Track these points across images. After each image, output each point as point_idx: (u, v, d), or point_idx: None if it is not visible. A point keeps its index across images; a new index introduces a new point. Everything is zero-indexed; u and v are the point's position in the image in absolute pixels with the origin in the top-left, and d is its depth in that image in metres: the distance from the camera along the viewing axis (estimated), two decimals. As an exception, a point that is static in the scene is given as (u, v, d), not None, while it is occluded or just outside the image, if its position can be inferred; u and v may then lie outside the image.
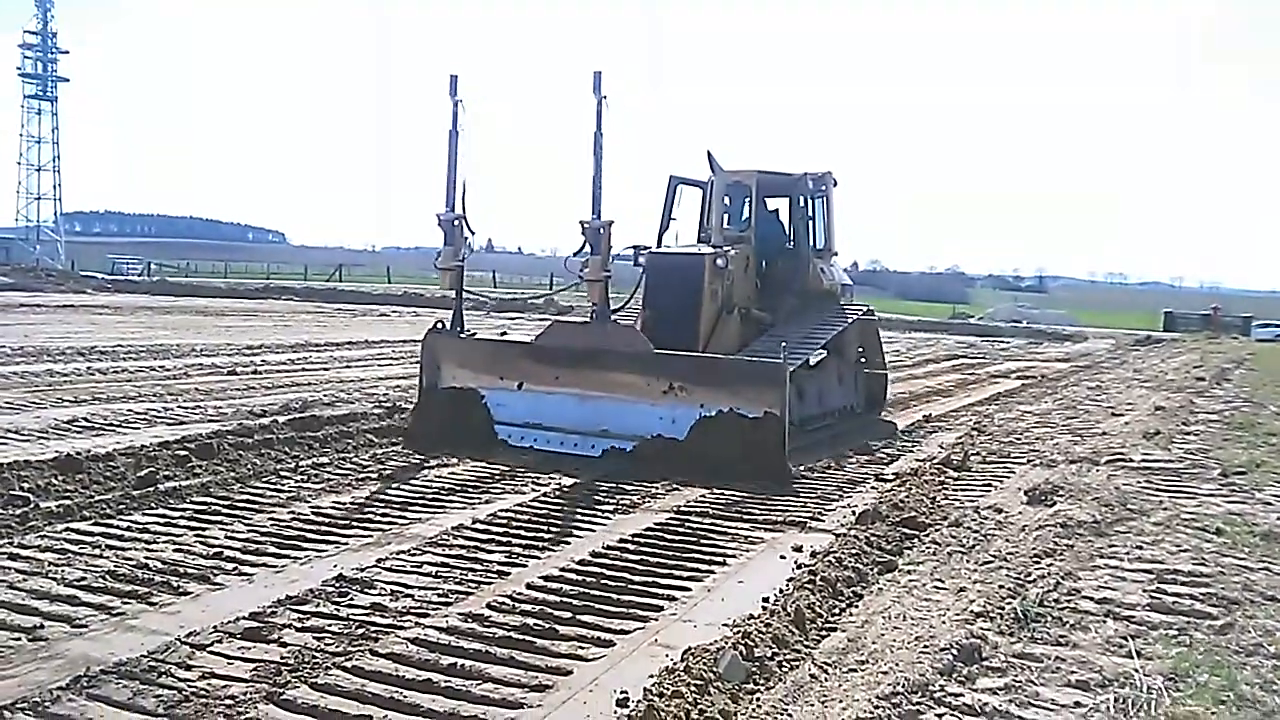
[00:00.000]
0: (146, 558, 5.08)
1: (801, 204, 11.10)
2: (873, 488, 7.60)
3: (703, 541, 5.88)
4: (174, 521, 5.82)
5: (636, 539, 5.85)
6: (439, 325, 9.40)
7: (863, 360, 11.97)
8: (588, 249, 8.46)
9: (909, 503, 6.69)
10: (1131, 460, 8.55)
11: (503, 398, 8.74)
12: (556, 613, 4.52)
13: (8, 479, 6.49)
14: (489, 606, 4.57)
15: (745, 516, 6.54)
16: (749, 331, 10.07)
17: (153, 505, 6.15)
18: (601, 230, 8.40)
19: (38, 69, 70.82)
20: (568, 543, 5.77)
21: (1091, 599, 4.79)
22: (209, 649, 3.93)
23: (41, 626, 4.09)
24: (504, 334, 10.24)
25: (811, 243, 11.31)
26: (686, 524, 6.23)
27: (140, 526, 5.68)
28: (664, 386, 8.12)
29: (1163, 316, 42.71)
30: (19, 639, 3.96)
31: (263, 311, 28.24)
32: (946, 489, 7.43)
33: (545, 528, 6.05)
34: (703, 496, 7.05)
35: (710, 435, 7.80)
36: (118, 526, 5.66)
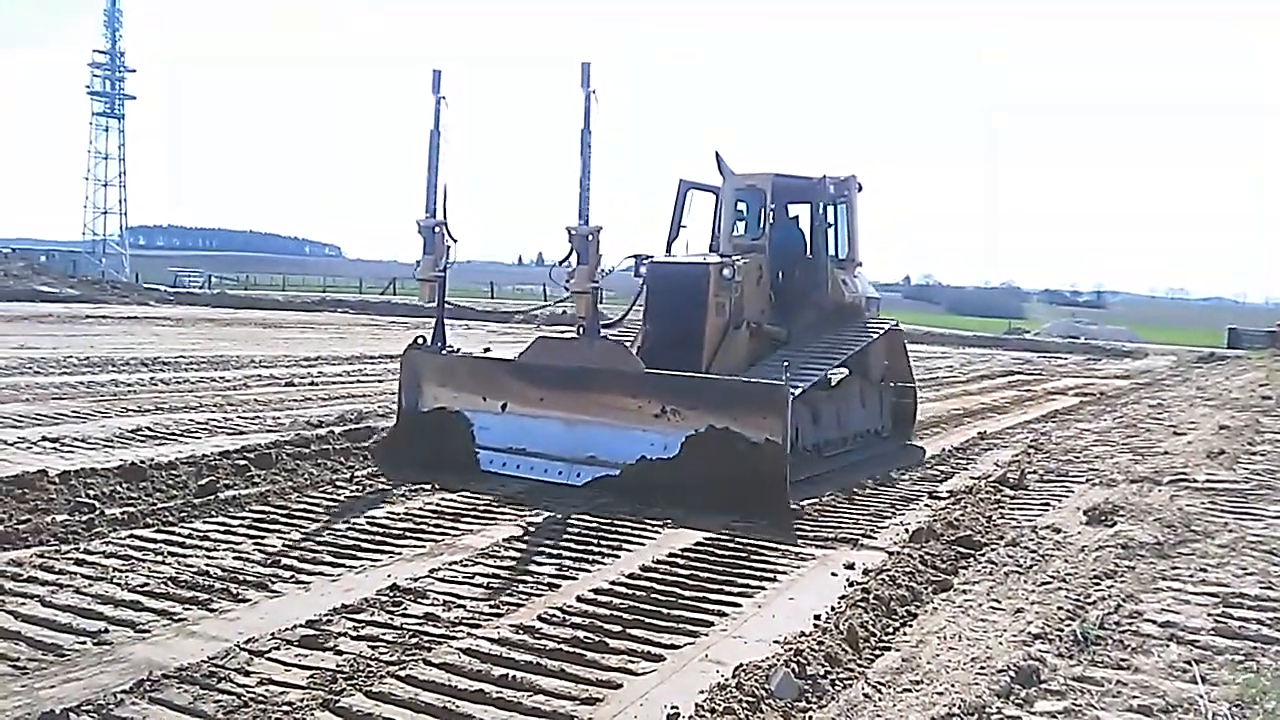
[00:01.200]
0: (207, 565, 5.18)
1: (821, 210, 10.29)
2: (926, 505, 7.50)
3: (753, 557, 5.85)
4: (233, 529, 5.94)
5: (686, 553, 5.84)
6: (420, 340, 8.75)
7: (889, 378, 11.06)
8: (574, 258, 7.73)
9: (964, 521, 6.59)
10: (1195, 480, 8.34)
11: (486, 420, 8.08)
12: (607, 626, 4.52)
13: (75, 486, 6.69)
14: (540, 618, 4.59)
15: (796, 533, 6.49)
16: (760, 348, 9.31)
17: (213, 513, 6.29)
18: (589, 237, 7.65)
19: (106, 87, 73.11)
20: (617, 556, 5.77)
21: (1154, 622, 4.68)
22: (267, 655, 4.00)
23: (106, 631, 4.20)
24: (487, 350, 9.41)
25: (834, 252, 10.48)
26: (736, 539, 6.20)
27: (201, 534, 5.81)
28: (655, 409, 7.38)
29: (1226, 333, 41.53)
30: (84, 643, 4.07)
31: (319, 324, 28.75)
32: (1003, 507, 7.31)
33: (596, 541, 6.06)
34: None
35: (702, 458, 7.09)
36: (179, 534, 5.79)
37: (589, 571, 5.43)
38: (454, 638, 4.30)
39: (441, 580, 5.12)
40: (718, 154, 9.34)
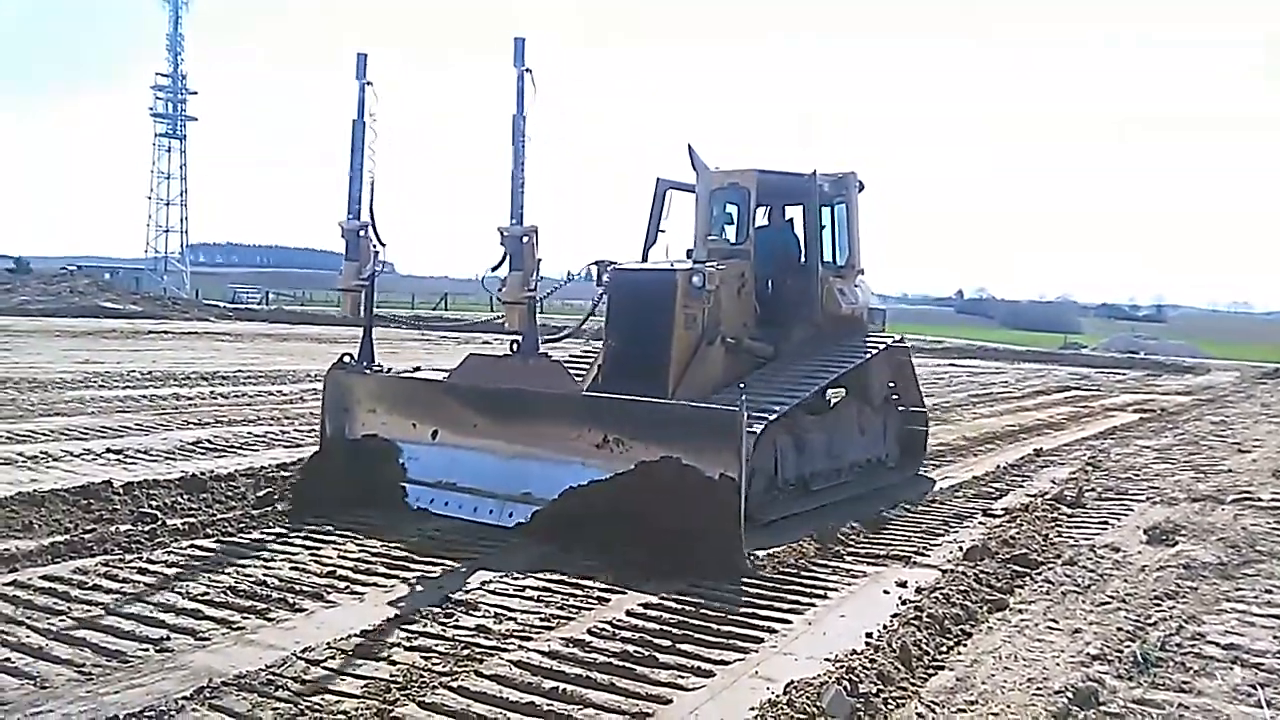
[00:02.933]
0: (265, 575, 5.29)
1: (814, 211, 9.05)
2: (980, 523, 7.39)
3: (803, 574, 5.81)
4: (290, 540, 6.05)
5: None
6: (346, 359, 7.75)
7: (895, 401, 9.81)
8: (507, 263, 6.75)
9: (1020, 539, 6.49)
10: (1260, 500, 8.13)
11: (415, 450, 7.11)
12: (656, 640, 4.52)
13: (138, 497, 6.87)
14: (589, 632, 4.60)
15: (847, 550, 6.44)
16: (740, 367, 8.19)
17: (270, 524, 6.41)
18: (524, 239, 6.68)
19: (168, 109, 75.24)
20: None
21: (1217, 644, 4.56)
22: (323, 665, 4.06)
23: (168, 638, 4.30)
24: (417, 369, 8.46)
25: (830, 258, 9.41)
26: (786, 553, 6.15)
27: (259, 545, 5.92)
28: (597, 439, 6.34)
29: (1293, 348, 40.45)
30: (147, 649, 4.17)
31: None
32: (1060, 526, 7.18)
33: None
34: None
35: (644, 496, 5.97)
36: (238, 544, 5.91)
37: (638, 586, 5.43)
38: (505, 650, 4.33)
39: (492, 593, 5.16)
40: (690, 147, 8.07)
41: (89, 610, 4.60)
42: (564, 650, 4.35)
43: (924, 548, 6.54)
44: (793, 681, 3.95)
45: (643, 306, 8.14)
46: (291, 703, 3.68)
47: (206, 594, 4.91)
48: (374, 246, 7.51)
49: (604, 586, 5.35)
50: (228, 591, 4.96)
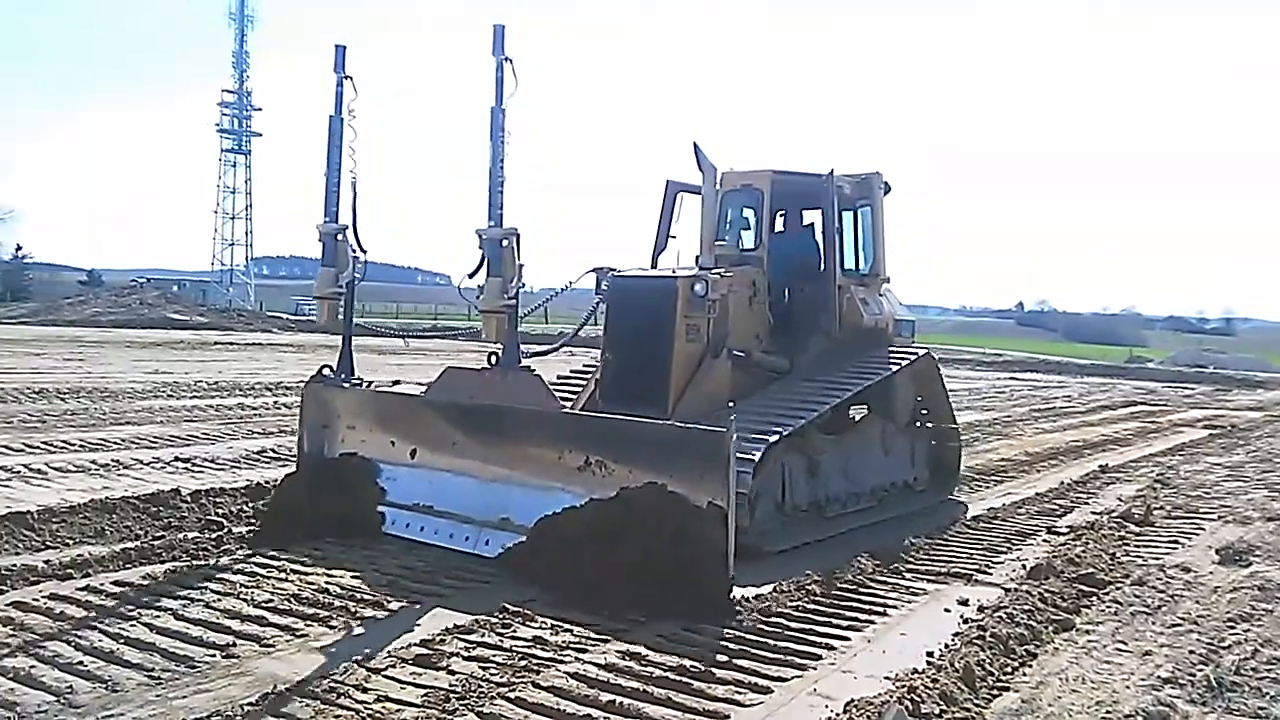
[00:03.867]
0: (327, 583, 5.37)
1: (834, 215, 8.41)
2: (1044, 540, 7.23)
3: (861, 591, 5.73)
4: (351, 550, 6.13)
5: (792, 584, 5.74)
6: (325, 371, 7.33)
7: (924, 419, 9.15)
8: (485, 269, 6.34)
9: (1086, 558, 6.34)
10: (1340, 520, 7.83)
11: (393, 470, 6.68)
12: (712, 655, 4.50)
13: (205, 504, 7.04)
14: (647, 645, 4.59)
15: (906, 566, 6.34)
16: (749, 381, 7.69)
17: (332, 534, 6.50)
18: (503, 242, 6.22)
19: (234, 125, 77.21)
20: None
21: (1296, 670, 4.40)
22: (383, 673, 4.11)
23: (234, 645, 4.38)
24: (396, 383, 8.02)
25: (853, 265, 8.89)
26: (845, 569, 6.08)
27: (321, 554, 6.01)
28: (579, 460, 5.84)
29: (1372, 362, 39.01)
30: (213, 655, 4.25)
31: (431, 350, 29.54)
32: (1128, 545, 7.01)
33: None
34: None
35: (625, 525, 5.38)
36: (301, 553, 6.00)
37: (617, 633, 5.36)
38: (562, 661, 4.34)
39: (549, 604, 5.18)
40: (695, 145, 7.36)
41: (158, 616, 4.71)
42: (620, 663, 4.34)
43: (986, 565, 6.42)
44: (853, 700, 3.90)
45: (641, 317, 7.64)
46: (353, 710, 3.72)
47: (271, 601, 5.00)
48: (354, 252, 7.04)
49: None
50: (291, 599, 5.05)
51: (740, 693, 4.09)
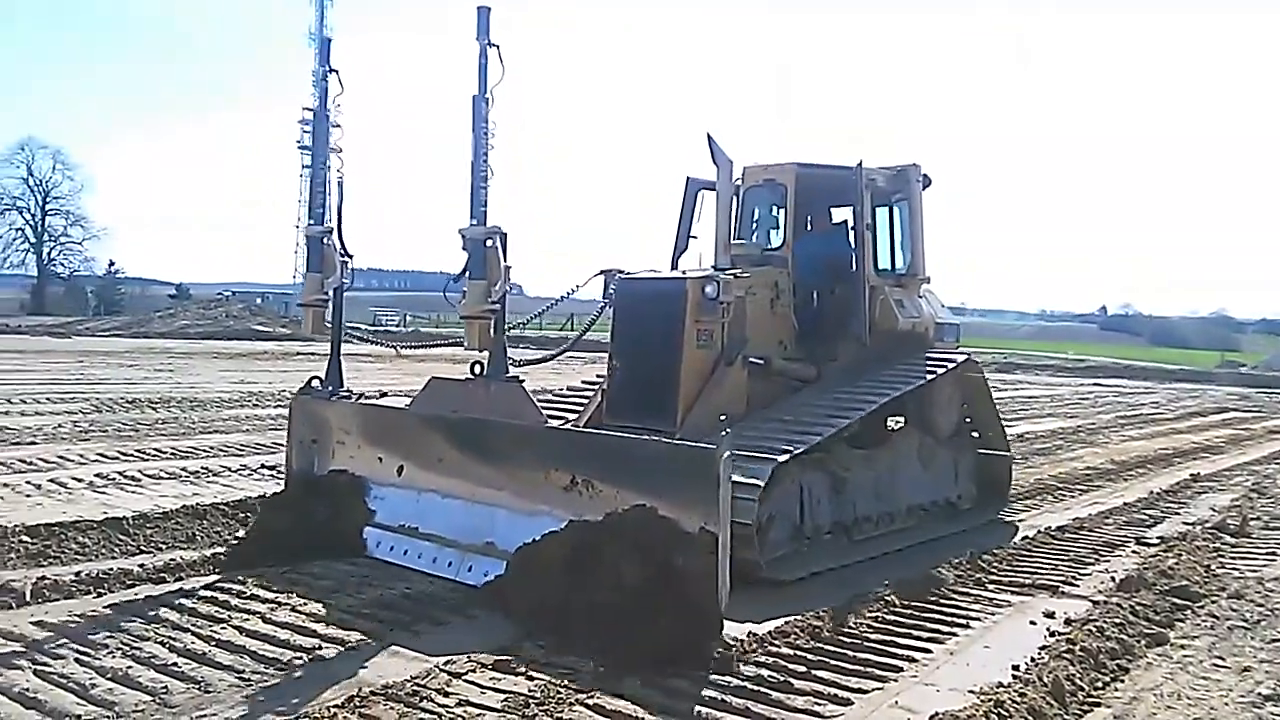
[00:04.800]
0: (408, 589, 5.45)
1: (867, 211, 7.88)
2: (1134, 552, 7.00)
3: (943, 601, 5.62)
4: (430, 556, 6.19)
5: (871, 593, 5.66)
6: (314, 382, 6.92)
7: (969, 431, 8.51)
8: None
9: (1179, 570, 6.12)
10: None
11: (380, 489, 6.31)
12: (791, 666, 4.45)
13: (290, 511, 7.18)
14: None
15: (990, 577, 6.20)
16: (770, 391, 7.21)
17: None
18: (487, 242, 5.82)
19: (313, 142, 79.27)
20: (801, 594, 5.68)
21: None
22: (464, 678, 4.16)
23: (320, 648, 4.48)
24: (383, 395, 7.24)
25: (888, 265, 8.37)
26: (925, 580, 5.97)
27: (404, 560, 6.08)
28: (565, 480, 5.36)
29: None
30: (301, 658, 4.35)
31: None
32: (1222, 556, 6.76)
33: (778, 578, 5.97)
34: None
35: (607, 546, 4.88)
36: (384, 559, 6.08)
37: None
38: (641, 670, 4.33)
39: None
40: (710, 137, 6.83)
41: (247, 619, 4.84)
42: (699, 672, 4.32)
43: (1073, 577, 6.24)
44: (936, 714, 3.83)
45: (649, 322, 7.09)
46: (435, 713, 3.78)
47: (354, 606, 5.10)
48: (340, 256, 6.70)
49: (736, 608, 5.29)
50: (375, 605, 5.14)
51: (820, 704, 4.04)
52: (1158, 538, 7.41)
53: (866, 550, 6.78)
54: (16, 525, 6.34)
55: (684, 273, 7.44)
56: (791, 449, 6.03)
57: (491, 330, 5.94)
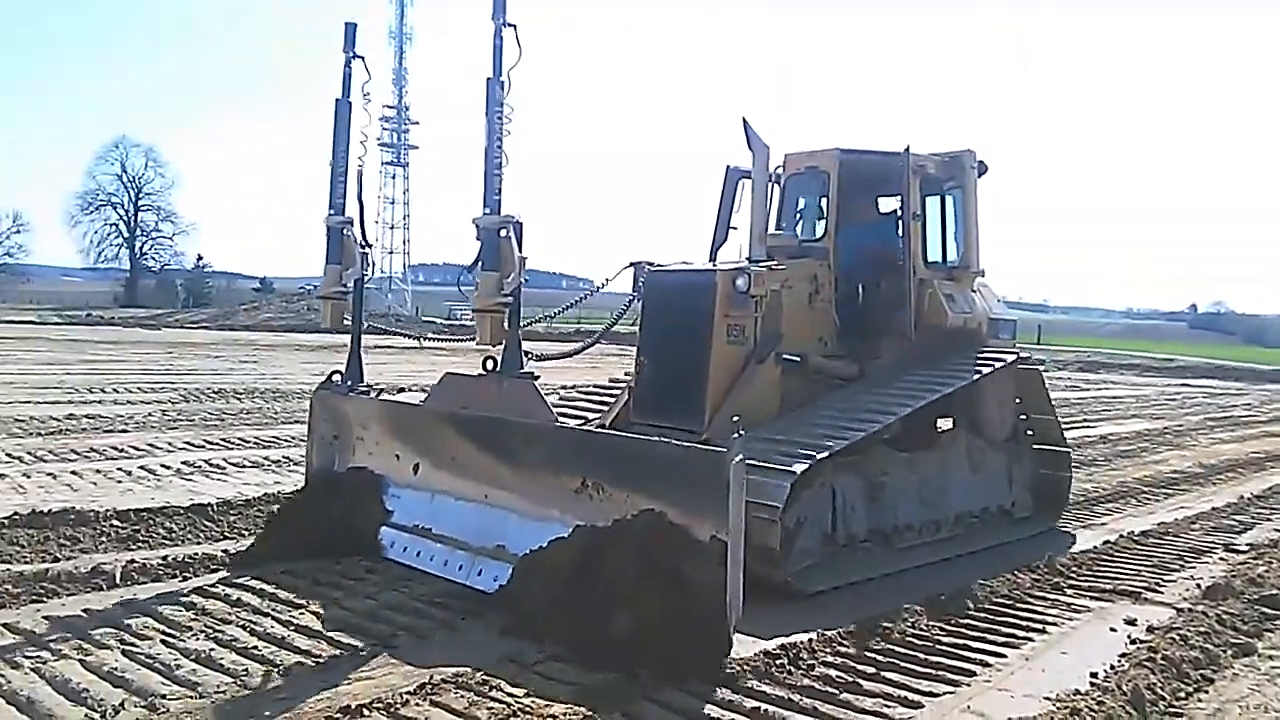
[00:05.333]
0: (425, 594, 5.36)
1: (916, 199, 7.50)
2: (1221, 559, 6.76)
3: (1019, 605, 5.50)
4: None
5: (943, 596, 5.56)
6: (335, 377, 6.76)
7: (1025, 433, 7.96)
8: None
9: (1269, 578, 5.89)
10: None
11: (397, 487, 6.12)
12: (859, 666, 4.40)
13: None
14: (792, 652, 4.52)
15: (1069, 582, 6.04)
16: (805, 390, 6.79)
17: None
18: (501, 232, 5.58)
19: (393, 139, 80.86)
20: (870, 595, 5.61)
21: None
22: (533, 669, 4.21)
23: (395, 635, 4.58)
24: (401, 390, 6.92)
25: (939, 257, 7.90)
26: (1001, 583, 5.84)
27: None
28: (575, 482, 5.07)
29: None
30: (376, 645, 4.44)
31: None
32: (1317, 565, 6.46)
33: (848, 578, 5.90)
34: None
35: (615, 554, 4.59)
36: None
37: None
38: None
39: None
40: (745, 122, 6.45)
41: (325, 606, 4.96)
42: (766, 669, 4.30)
43: (1156, 583, 6.04)
44: (1010, 719, 3.74)
45: (677, 316, 6.81)
46: (504, 704, 3.82)
47: (428, 595, 5.20)
48: (360, 247, 6.58)
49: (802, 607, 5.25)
50: (447, 594, 5.22)
51: (889, 706, 4.00)
52: (1247, 544, 7.14)
53: (905, 559, 6.39)
54: (108, 510, 6.61)
55: (715, 265, 7.11)
56: (814, 453, 5.60)
57: (505, 324, 5.72)
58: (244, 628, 4.60)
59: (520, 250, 5.60)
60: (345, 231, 6.58)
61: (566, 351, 8.11)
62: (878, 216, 7.97)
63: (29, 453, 8.89)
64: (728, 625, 4.22)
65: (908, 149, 7.38)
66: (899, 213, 7.65)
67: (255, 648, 4.35)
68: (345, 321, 6.77)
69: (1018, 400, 7.86)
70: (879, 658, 4.53)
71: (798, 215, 8.23)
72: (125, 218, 60.38)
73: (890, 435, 6.48)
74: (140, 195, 60.01)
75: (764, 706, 3.89)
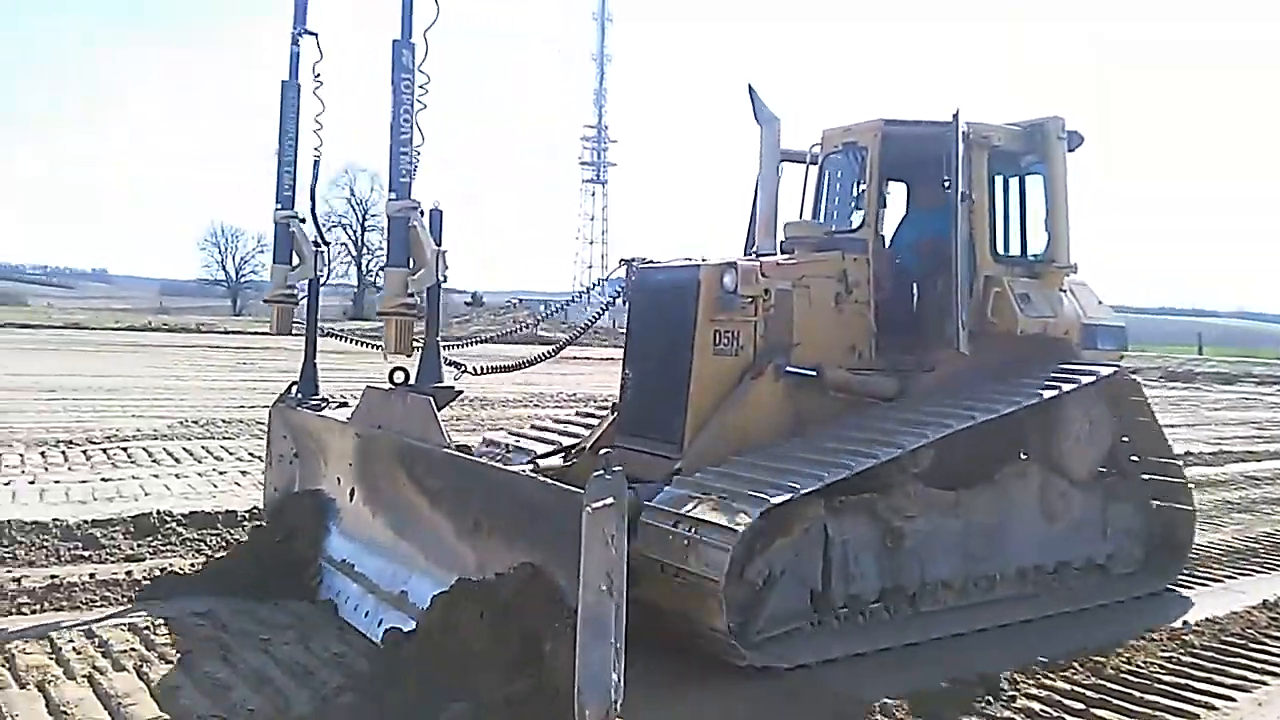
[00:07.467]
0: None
1: (982, 180, 6.09)
2: None
3: (1251, 645, 5.03)
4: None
5: (1165, 630, 5.19)
6: (292, 390, 6.04)
7: (1125, 459, 6.31)
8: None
9: None
10: None
11: (336, 514, 5.47)
12: (1067, 703, 4.16)
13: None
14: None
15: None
16: (820, 409, 5.51)
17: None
18: (408, 221, 4.71)
19: (593, 157, 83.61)
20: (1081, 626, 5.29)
21: None
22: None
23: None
24: (342, 405, 6.02)
25: (1017, 248, 6.45)
26: (1231, 620, 5.37)
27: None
28: (468, 522, 4.23)
29: None
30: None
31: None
32: None
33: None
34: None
35: (476, 620, 3.71)
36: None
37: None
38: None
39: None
40: (751, 89, 5.48)
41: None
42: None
43: None
44: (1237, 771, 3.43)
45: (658, 319, 5.74)
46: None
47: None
48: (313, 244, 5.93)
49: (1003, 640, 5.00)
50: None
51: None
52: None
53: (936, 627, 5.06)
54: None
55: (703, 261, 5.66)
56: (768, 498, 4.37)
57: (412, 329, 4.88)
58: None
59: (439, 243, 4.87)
60: (293, 228, 5.91)
61: (518, 363, 7.00)
62: (940, 201, 6.10)
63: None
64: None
65: (956, 114, 5.87)
66: (965, 198, 5.97)
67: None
68: (296, 327, 6.15)
69: (1108, 433, 6.11)
70: (1089, 693, 4.26)
71: (835, 199, 6.83)
72: (353, 237, 65.03)
73: (921, 469, 5.23)
74: (366, 216, 64.42)
75: None
